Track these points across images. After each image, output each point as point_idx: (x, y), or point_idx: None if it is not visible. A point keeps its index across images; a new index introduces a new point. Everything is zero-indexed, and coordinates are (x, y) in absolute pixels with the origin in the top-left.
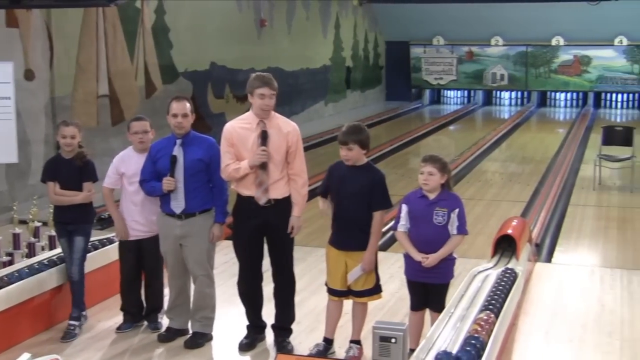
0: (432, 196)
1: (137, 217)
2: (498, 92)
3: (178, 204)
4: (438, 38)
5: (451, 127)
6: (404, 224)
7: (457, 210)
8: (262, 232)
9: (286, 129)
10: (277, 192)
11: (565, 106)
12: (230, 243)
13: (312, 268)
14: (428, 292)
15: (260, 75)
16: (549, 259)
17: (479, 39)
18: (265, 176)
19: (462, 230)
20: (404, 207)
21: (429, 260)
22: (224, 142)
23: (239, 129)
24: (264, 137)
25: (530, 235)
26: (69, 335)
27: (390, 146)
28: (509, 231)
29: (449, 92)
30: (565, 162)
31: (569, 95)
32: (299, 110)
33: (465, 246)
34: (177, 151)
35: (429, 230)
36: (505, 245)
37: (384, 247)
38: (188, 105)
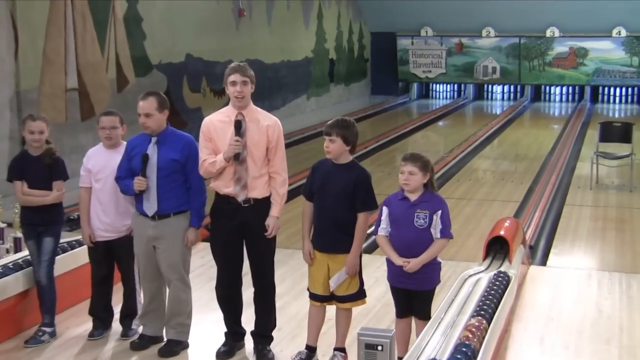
0: (413, 197)
1: (103, 217)
2: (489, 86)
3: (150, 205)
4: (426, 29)
5: (440, 123)
6: (384, 227)
7: (439, 212)
8: (241, 234)
9: (266, 122)
10: (257, 192)
11: (561, 101)
12: (208, 245)
13: (294, 271)
14: (412, 299)
15: (233, 64)
16: (543, 262)
17: (470, 30)
18: (244, 171)
19: (445, 233)
20: (384, 210)
21: (410, 265)
22: (202, 137)
23: (217, 122)
24: (237, 127)
25: (524, 236)
26: (34, 341)
27: (376, 143)
28: (501, 232)
29: (437, 86)
30: (561, 159)
31: (564, 89)
32: (280, 104)
33: (455, 248)
34: (152, 150)
35: (410, 234)
36: (497, 248)
37: (369, 250)
38: (155, 103)
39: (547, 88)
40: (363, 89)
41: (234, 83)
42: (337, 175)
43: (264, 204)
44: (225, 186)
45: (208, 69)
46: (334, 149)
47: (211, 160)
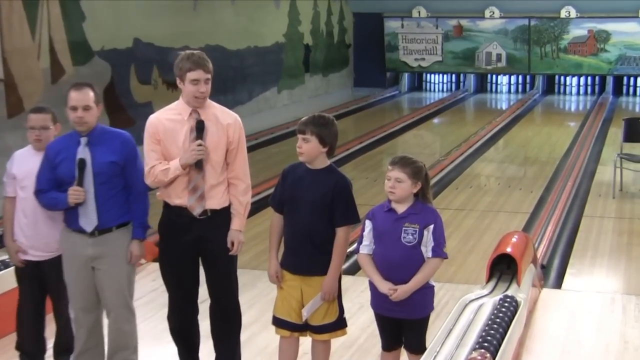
0: (401, 209)
1: (28, 231)
2: (494, 77)
3: (89, 220)
4: (419, 9)
5: (435, 120)
6: (367, 244)
7: (431, 227)
8: (196, 251)
9: (225, 120)
10: (215, 201)
11: (578, 93)
12: (157, 266)
13: (262, 297)
14: (402, 329)
15: (189, 55)
16: (558, 284)
17: (470, 10)
18: (200, 179)
19: (438, 252)
20: (367, 224)
21: (397, 293)
22: (148, 139)
23: (167, 121)
24: (199, 129)
25: (535, 254)
26: None
27: (360, 144)
28: (508, 249)
29: (432, 76)
30: (578, 163)
31: (582, 79)
32: (245, 99)
33: (454, 268)
34: (83, 153)
35: (396, 252)
36: (503, 267)
37: (351, 271)
38: (91, 94)
39: (562, 78)
40: (344, 80)
41: (195, 81)
42: (312, 183)
43: (223, 216)
44: (177, 197)
45: (160, 57)
46: (308, 150)
47: (163, 167)
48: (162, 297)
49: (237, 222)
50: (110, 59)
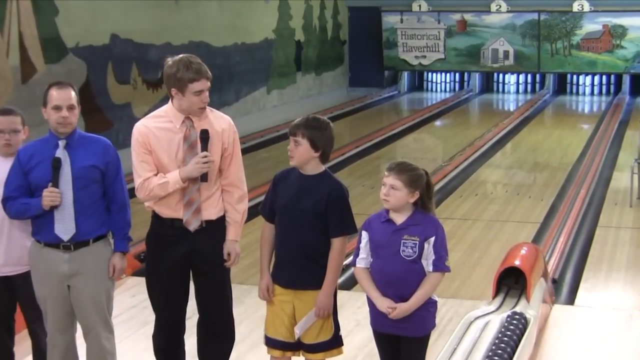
0: (399, 220)
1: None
2: (500, 75)
3: (65, 228)
4: (419, 2)
5: (437, 123)
6: (364, 257)
7: (432, 239)
8: (188, 265)
9: (220, 126)
10: (211, 211)
11: (592, 93)
12: (139, 280)
13: (252, 313)
14: (401, 348)
15: (187, 63)
16: (570, 300)
17: (475, 4)
18: (196, 192)
19: (439, 266)
20: (364, 235)
21: (397, 311)
22: (138, 149)
23: (157, 130)
24: (204, 139)
25: (545, 267)
26: None
27: (356, 148)
28: (517, 262)
29: (434, 75)
30: (592, 169)
31: (596, 78)
32: (232, 99)
33: (457, 283)
34: (61, 155)
35: (395, 266)
36: (511, 282)
37: (347, 285)
38: (73, 93)
39: (575, 77)
40: (339, 79)
41: (199, 93)
42: (305, 190)
43: (217, 226)
44: (171, 209)
45: (140, 54)
46: (298, 153)
47: (160, 181)
48: (142, 314)
49: (233, 232)
50: (86, 57)
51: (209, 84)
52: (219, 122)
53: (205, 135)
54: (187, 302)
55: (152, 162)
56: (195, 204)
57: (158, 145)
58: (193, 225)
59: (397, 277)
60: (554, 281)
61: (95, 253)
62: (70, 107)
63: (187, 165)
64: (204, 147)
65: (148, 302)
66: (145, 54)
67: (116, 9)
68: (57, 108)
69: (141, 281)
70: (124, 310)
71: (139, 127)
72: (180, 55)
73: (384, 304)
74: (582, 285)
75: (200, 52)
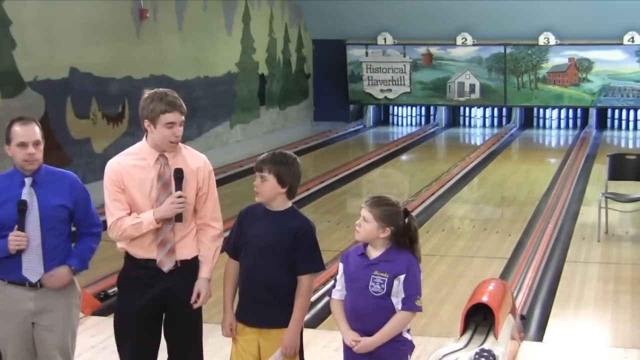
0: (374, 254)
1: None
2: (467, 109)
3: (33, 270)
4: (384, 35)
5: (404, 157)
6: (339, 289)
7: (402, 277)
8: (161, 307)
9: (195, 164)
10: (185, 251)
11: (559, 127)
12: (99, 320)
13: (215, 352)
14: None
15: (161, 95)
16: (539, 337)
17: (441, 37)
18: (170, 232)
19: (407, 304)
20: (340, 267)
21: (360, 345)
22: (111, 187)
23: (131, 167)
24: (178, 178)
25: (514, 303)
26: None
27: (321, 184)
28: (484, 299)
29: (400, 109)
30: (560, 203)
31: (562, 112)
32: (195, 134)
33: (425, 320)
34: (28, 194)
35: (364, 301)
36: (479, 319)
37: (314, 323)
38: (38, 128)
39: (541, 111)
40: (303, 113)
41: (170, 125)
42: (271, 226)
43: (193, 266)
44: (144, 249)
45: (100, 88)
46: (265, 190)
47: (134, 221)
48: (101, 354)
49: (206, 270)
50: (44, 91)
51: (182, 117)
52: (194, 160)
53: (179, 174)
54: (158, 348)
55: (125, 200)
56: (169, 244)
57: (131, 183)
58: (167, 266)
59: (364, 312)
60: (522, 317)
61: (62, 291)
62: (36, 143)
63: (161, 206)
64: (179, 187)
65: (107, 343)
66: (105, 88)
67: (75, 42)
68: (23, 145)
69: (101, 321)
70: (83, 350)
71: (113, 165)
72: (156, 89)
73: (349, 337)
74: (550, 321)
75: (162, 85)
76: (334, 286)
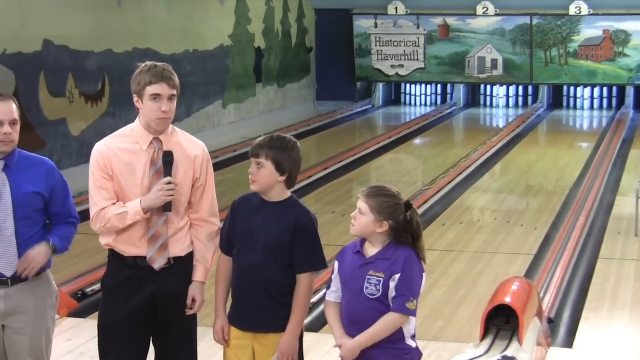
0: (371, 252)
1: None
2: (488, 87)
3: (8, 264)
4: (396, 4)
5: (417, 141)
6: (334, 290)
7: (397, 276)
8: (151, 310)
9: (193, 152)
10: (179, 247)
11: (592, 108)
12: (74, 322)
13: (206, 359)
14: None
15: (151, 66)
16: (569, 342)
17: (459, 7)
18: (163, 225)
19: (397, 305)
20: (336, 266)
21: (342, 350)
22: (97, 173)
23: (121, 151)
24: (167, 162)
25: (540, 305)
26: None
27: (324, 170)
28: (507, 300)
29: (413, 87)
30: (592, 193)
31: (596, 91)
32: (183, 115)
33: (440, 323)
34: (0, 179)
35: (358, 304)
36: (501, 322)
37: (315, 327)
38: (15, 106)
39: (572, 90)
40: (305, 92)
41: (156, 97)
42: (268, 218)
43: (187, 263)
44: (133, 245)
45: (76, 63)
46: (262, 177)
47: (119, 211)
48: None
49: (201, 272)
50: (14, 66)
51: (172, 92)
52: (191, 147)
53: (169, 158)
54: (147, 351)
55: (112, 189)
56: (161, 239)
57: (122, 170)
58: (158, 264)
59: (360, 317)
60: (550, 321)
61: (36, 289)
62: (13, 122)
63: (149, 194)
64: (168, 172)
65: (86, 348)
66: (83, 63)
67: (50, 11)
68: None
69: (78, 323)
70: (58, 356)
71: (100, 148)
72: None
73: (339, 339)
74: (581, 325)
75: (145, 60)
76: (328, 287)
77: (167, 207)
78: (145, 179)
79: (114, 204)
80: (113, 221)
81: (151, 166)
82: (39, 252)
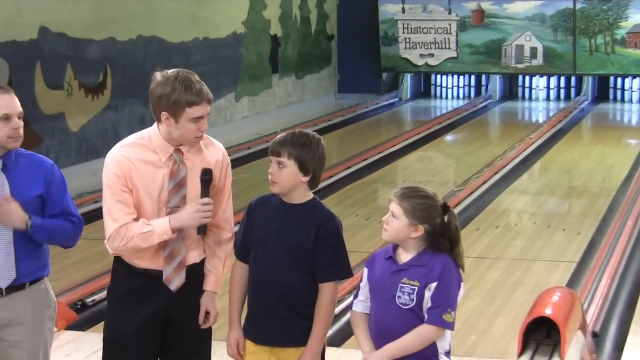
0: (404, 259)
1: None
2: (527, 79)
3: (4, 273)
4: None
5: (449, 138)
6: (362, 300)
7: (433, 285)
8: (162, 323)
9: (214, 157)
10: (193, 256)
11: None
12: (73, 336)
13: None
14: None
15: (184, 80)
16: (616, 358)
17: None
18: (180, 242)
19: (433, 317)
20: (365, 273)
21: None
22: (117, 186)
23: (141, 163)
24: (206, 181)
25: (584, 318)
26: None
27: (347, 170)
28: (548, 312)
29: (444, 78)
30: None
31: None
32: None
33: (474, 337)
34: None
35: (389, 315)
36: (541, 336)
37: (338, 341)
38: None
39: (619, 81)
40: (326, 83)
41: (198, 120)
42: (288, 223)
43: (198, 271)
44: (147, 260)
45: (76, 52)
46: (284, 178)
47: (144, 229)
48: None
49: (212, 282)
50: (8, 55)
51: (209, 109)
52: (212, 152)
53: (208, 177)
54: None
55: (132, 203)
56: (178, 256)
57: (142, 183)
58: (175, 284)
59: (391, 328)
60: (595, 335)
61: (33, 299)
62: (21, 116)
63: (180, 213)
64: (205, 191)
65: None
66: (82, 52)
67: None
68: (7, 118)
69: (78, 337)
70: None
71: (118, 159)
72: (175, 71)
73: (367, 352)
74: (629, 340)
75: (152, 49)
76: (356, 296)
77: (202, 229)
78: (164, 193)
79: (136, 219)
80: (137, 240)
81: (170, 179)
82: (14, 207)
